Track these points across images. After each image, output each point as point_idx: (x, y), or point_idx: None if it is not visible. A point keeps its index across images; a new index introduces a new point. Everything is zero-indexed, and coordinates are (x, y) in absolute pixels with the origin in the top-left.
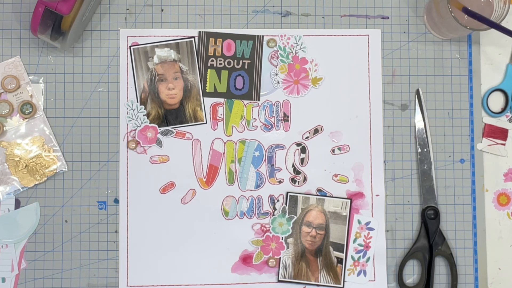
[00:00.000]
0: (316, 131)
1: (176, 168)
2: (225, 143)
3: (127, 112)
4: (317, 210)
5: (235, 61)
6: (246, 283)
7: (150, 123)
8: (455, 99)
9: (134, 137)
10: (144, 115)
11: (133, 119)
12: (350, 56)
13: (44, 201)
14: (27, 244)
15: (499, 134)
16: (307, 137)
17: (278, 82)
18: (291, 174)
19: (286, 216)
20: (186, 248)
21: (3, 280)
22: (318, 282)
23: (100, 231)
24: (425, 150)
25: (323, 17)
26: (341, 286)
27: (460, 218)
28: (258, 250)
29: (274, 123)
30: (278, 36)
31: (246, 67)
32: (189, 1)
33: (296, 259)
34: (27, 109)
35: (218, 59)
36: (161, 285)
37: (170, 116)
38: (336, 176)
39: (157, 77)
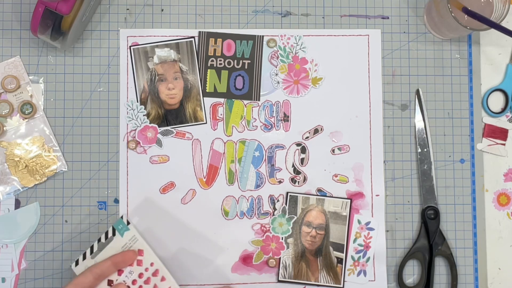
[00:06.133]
0: (316, 131)
1: (176, 168)
2: (225, 143)
3: (127, 112)
4: (317, 210)
5: (235, 61)
6: (246, 283)
7: (150, 123)
8: (455, 99)
9: (134, 137)
10: (144, 115)
11: (133, 119)
12: (350, 56)
13: (44, 201)
14: (27, 244)
15: (499, 134)
16: (307, 137)
17: (278, 82)
18: (291, 174)
19: (286, 216)
20: (186, 248)
21: (3, 280)
22: (318, 282)
23: (100, 231)
24: (425, 150)
25: (323, 17)
26: (341, 286)
27: (460, 218)
28: (258, 250)
29: (274, 123)
30: (278, 36)
31: (246, 67)
32: (189, 1)
33: (296, 259)
34: (27, 109)
35: (218, 59)
36: None
37: (170, 116)
38: (336, 176)
39: (157, 77)
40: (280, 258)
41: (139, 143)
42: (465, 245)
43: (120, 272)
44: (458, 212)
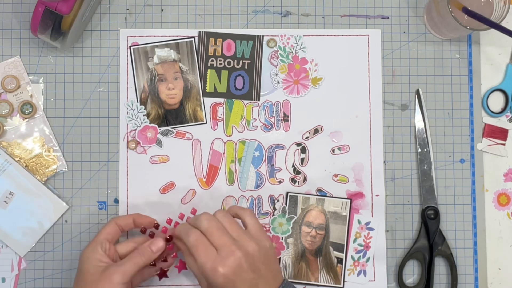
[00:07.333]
0: (316, 131)
1: (176, 168)
2: (225, 143)
3: (127, 112)
4: (317, 210)
5: (235, 61)
6: None
7: (150, 123)
8: (455, 99)
9: (134, 137)
10: (144, 115)
11: (133, 119)
12: (350, 56)
13: None
14: None
15: (499, 134)
16: (307, 137)
17: (278, 82)
18: (291, 174)
19: (286, 216)
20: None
21: (3, 280)
22: (318, 282)
23: None
24: (425, 150)
25: (323, 17)
26: (341, 286)
27: (460, 218)
28: None
29: (274, 123)
30: (278, 36)
31: (246, 67)
32: (189, 1)
33: (296, 259)
34: (27, 109)
35: (218, 59)
36: (161, 285)
37: (170, 116)
38: (336, 176)
39: (157, 77)
40: (280, 258)
41: (139, 143)
42: (465, 245)
43: None
44: (458, 212)
